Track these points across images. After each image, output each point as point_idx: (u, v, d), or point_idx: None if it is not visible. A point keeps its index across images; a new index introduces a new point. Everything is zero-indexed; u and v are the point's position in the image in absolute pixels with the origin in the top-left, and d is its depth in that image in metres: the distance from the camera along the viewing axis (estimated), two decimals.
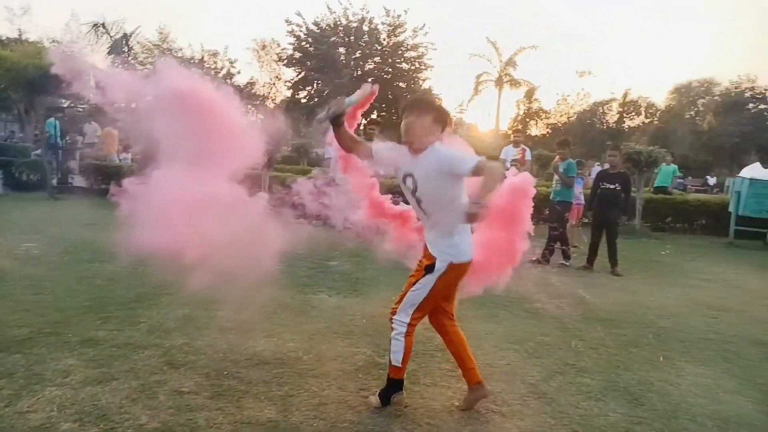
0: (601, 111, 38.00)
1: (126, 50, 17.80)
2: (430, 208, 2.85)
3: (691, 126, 36.26)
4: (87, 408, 2.76)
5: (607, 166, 18.65)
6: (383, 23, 33.26)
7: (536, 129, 40.83)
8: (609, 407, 3.15)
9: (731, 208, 10.64)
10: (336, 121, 2.85)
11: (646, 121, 38.27)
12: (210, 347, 3.67)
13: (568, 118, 39.06)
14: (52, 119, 11.73)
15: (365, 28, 32.52)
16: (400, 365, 2.91)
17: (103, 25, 17.21)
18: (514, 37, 47.55)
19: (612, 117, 38.04)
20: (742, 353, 4.27)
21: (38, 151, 12.53)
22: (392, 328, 2.92)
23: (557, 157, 8.10)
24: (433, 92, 33.23)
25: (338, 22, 32.33)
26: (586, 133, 36.27)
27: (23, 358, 3.30)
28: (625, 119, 38.00)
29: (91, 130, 12.55)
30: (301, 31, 32.06)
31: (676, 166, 14.91)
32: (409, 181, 2.84)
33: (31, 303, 4.34)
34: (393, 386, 2.96)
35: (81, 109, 14.61)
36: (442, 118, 2.83)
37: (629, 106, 37.80)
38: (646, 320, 4.96)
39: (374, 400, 2.98)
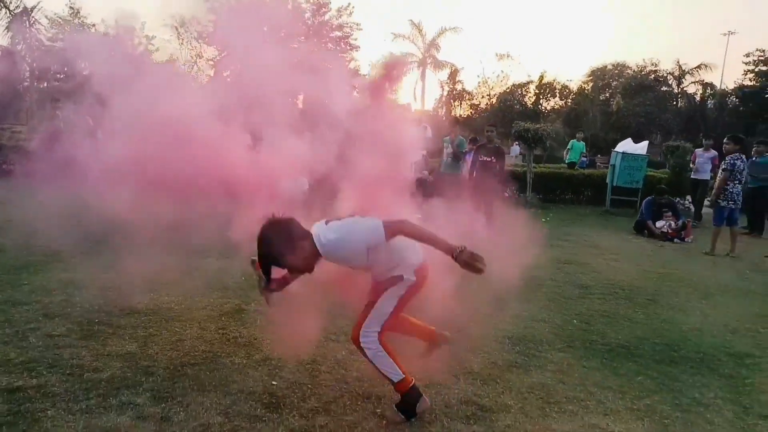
0: (519, 93, 39.65)
1: (28, 26, 17.02)
2: (370, 269, 2.77)
3: (602, 107, 38.62)
4: None
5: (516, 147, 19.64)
6: (307, 1, 33.20)
7: (460, 110, 42.12)
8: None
9: (608, 180, 11.82)
10: (280, 289, 2.94)
11: (561, 102, 40.35)
12: (87, 302, 4.02)
13: (489, 99, 40.47)
14: None
15: (288, 6, 32.33)
16: (399, 377, 2.67)
17: None
18: (437, 19, 48.37)
19: (529, 99, 39.79)
20: (566, 294, 5.09)
21: None
22: (364, 350, 2.68)
23: (451, 134, 8.95)
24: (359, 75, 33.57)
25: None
26: (506, 115, 37.85)
27: None
28: (541, 101, 39.84)
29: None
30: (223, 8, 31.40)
31: (584, 143, 16.02)
32: (341, 265, 2.79)
33: None
34: (410, 397, 2.68)
35: None
36: (286, 240, 2.57)
37: (545, 89, 39.65)
38: (491, 270, 5.68)
39: (393, 416, 2.69)
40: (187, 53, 34.90)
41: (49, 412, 2.51)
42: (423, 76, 41.36)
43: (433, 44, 40.06)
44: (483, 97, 40.99)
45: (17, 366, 2.95)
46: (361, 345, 2.68)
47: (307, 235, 2.60)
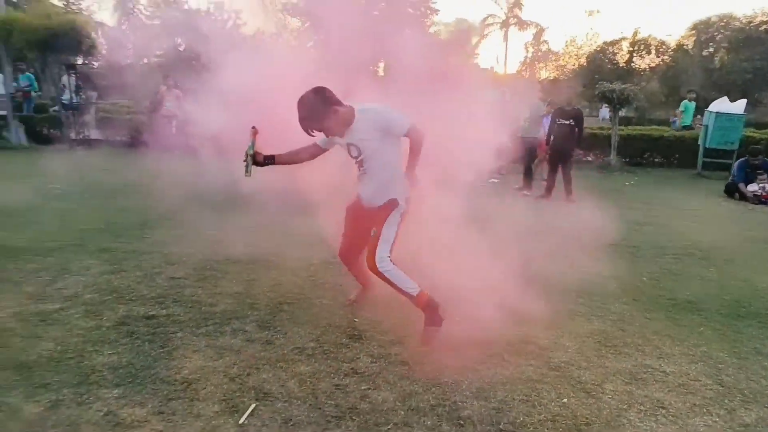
0: (610, 51, 37.50)
1: (132, 7, 18.48)
2: (372, 166, 3.10)
3: (703, 64, 35.74)
4: (103, 287, 3.79)
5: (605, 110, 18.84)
6: None
7: (545, 72, 40.61)
8: None
9: (700, 141, 11.26)
10: (263, 164, 3.20)
11: (657, 60, 37.74)
12: (199, 252, 4.66)
13: (577, 59, 38.60)
14: (26, 74, 13.06)
15: None
16: (417, 290, 3.06)
17: None
18: None
19: (622, 57, 37.53)
20: (639, 253, 5.18)
21: (56, 107, 13.51)
22: (380, 273, 3.04)
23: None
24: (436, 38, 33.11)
25: None
26: (595, 76, 36.06)
27: (55, 259, 4.34)
28: (634, 59, 37.48)
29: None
30: None
31: (695, 103, 14.44)
32: (352, 149, 3.11)
33: (58, 226, 5.38)
34: (431, 307, 3.09)
35: (94, 66, 15.46)
36: (322, 103, 2.95)
37: (639, 45, 37.21)
38: (556, 229, 5.80)
39: (428, 335, 3.06)
40: (272, 26, 35.99)
41: (178, 334, 3.11)
42: (506, 37, 40.18)
43: (516, 3, 38.66)
44: (571, 57, 39.15)
45: (150, 300, 3.59)
46: (379, 270, 3.05)
47: (341, 103, 3.01)
